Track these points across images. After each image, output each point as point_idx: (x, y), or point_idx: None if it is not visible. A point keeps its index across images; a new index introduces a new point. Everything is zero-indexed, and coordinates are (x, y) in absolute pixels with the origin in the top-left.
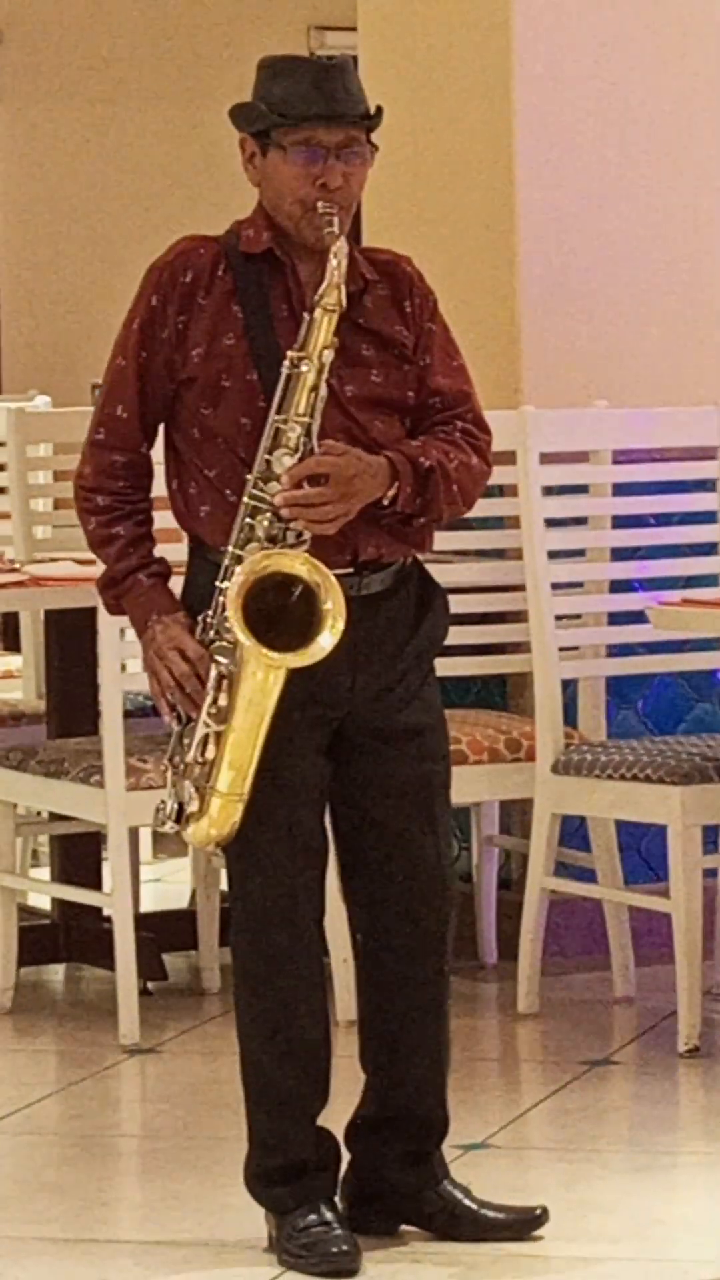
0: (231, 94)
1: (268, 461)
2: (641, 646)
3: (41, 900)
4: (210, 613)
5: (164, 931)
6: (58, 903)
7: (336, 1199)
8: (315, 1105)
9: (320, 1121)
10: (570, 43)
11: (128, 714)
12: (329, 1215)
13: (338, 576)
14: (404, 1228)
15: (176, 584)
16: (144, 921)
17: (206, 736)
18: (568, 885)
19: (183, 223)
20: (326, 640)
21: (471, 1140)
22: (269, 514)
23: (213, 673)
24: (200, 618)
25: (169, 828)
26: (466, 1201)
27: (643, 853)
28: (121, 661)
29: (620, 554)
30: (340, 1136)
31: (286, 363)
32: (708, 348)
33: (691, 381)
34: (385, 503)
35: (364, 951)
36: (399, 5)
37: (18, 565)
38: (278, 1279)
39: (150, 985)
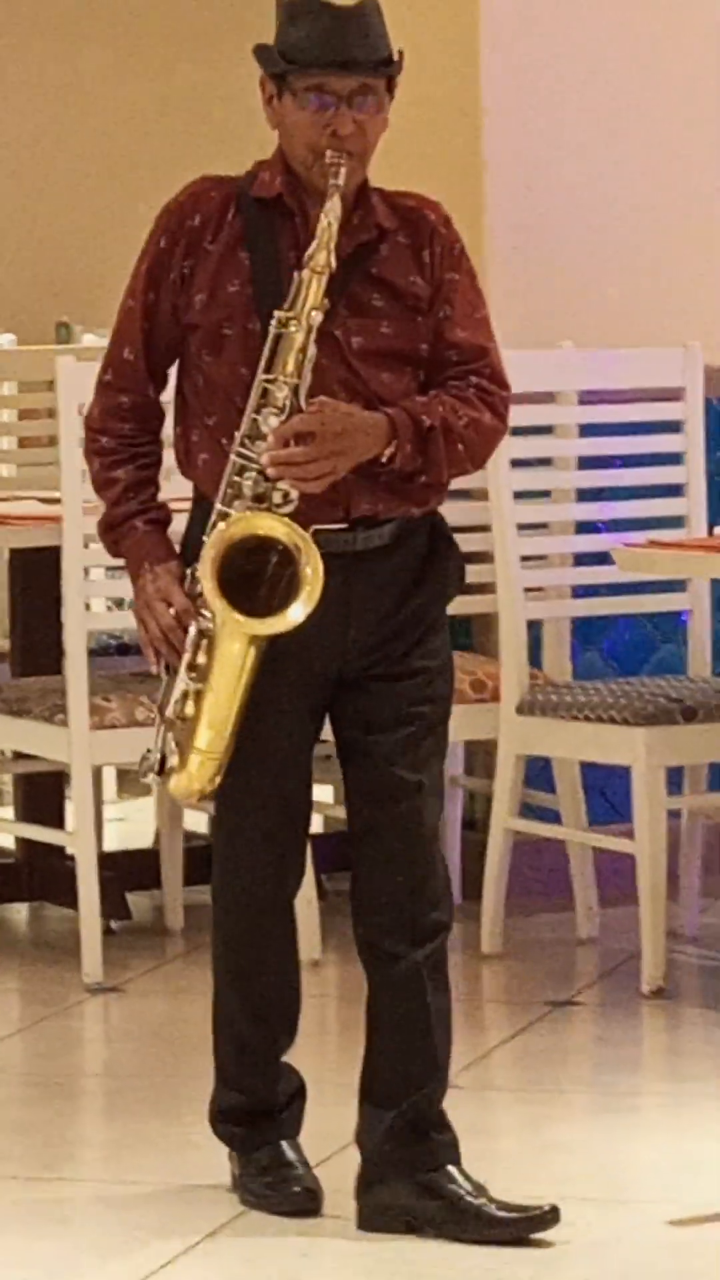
0: (195, 39)
1: (254, 420)
2: (606, 588)
3: (5, 839)
4: (197, 565)
5: (128, 870)
6: (21, 841)
7: (299, 1139)
8: (281, 1045)
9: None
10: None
11: (92, 653)
12: (290, 1155)
13: (332, 533)
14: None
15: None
16: (107, 860)
17: (186, 693)
18: (532, 826)
19: (148, 163)
20: (297, 612)
21: None
22: (256, 473)
23: (192, 629)
24: (190, 570)
25: (151, 779)
26: (469, 1198)
27: (607, 794)
28: (86, 600)
29: (586, 495)
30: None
31: (274, 322)
32: (673, 290)
33: (657, 324)
34: (384, 460)
35: (353, 896)
36: None
37: None
38: (239, 1218)
39: (114, 924)
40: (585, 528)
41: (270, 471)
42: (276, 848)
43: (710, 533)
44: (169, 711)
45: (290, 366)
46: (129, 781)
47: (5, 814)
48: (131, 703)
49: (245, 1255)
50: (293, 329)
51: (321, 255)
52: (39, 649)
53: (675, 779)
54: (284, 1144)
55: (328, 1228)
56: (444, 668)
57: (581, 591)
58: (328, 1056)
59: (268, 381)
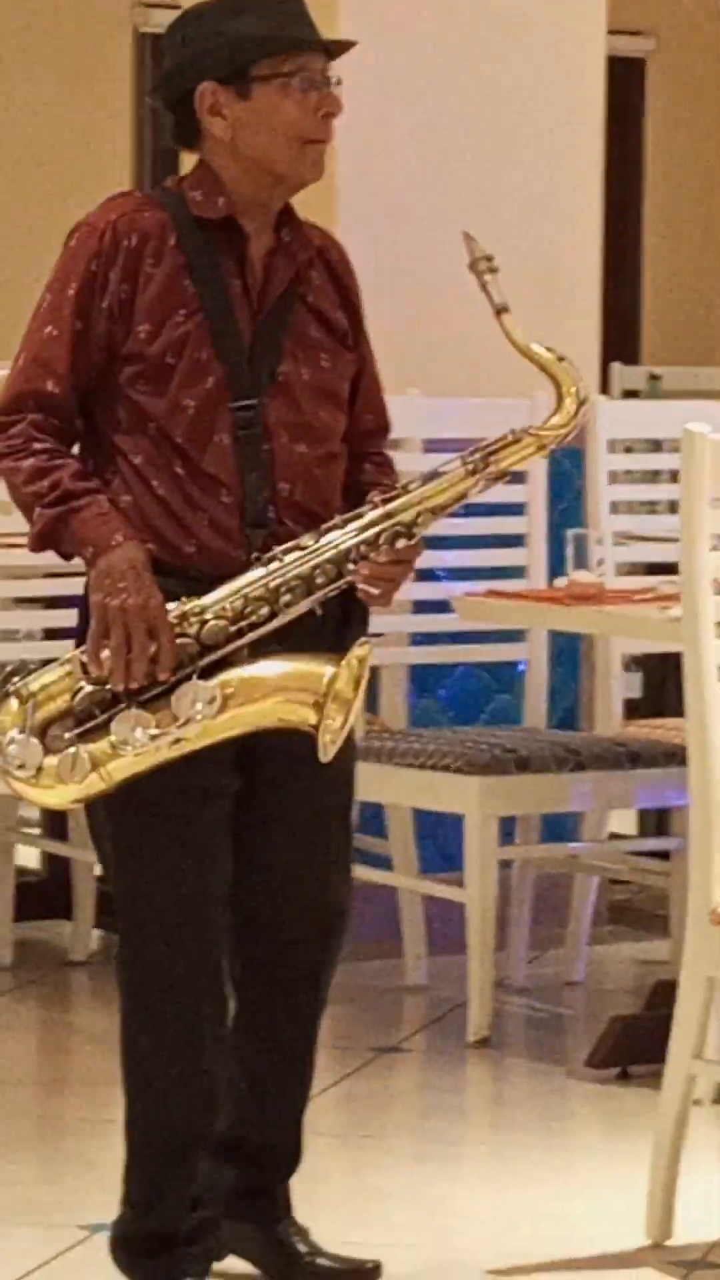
0: (53, 69)
1: (363, 544)
2: (445, 636)
3: None
4: (192, 601)
5: None
6: None
7: None
8: (198, 1157)
9: None
10: (393, 45)
11: None
12: None
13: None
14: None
15: None
16: None
17: (116, 716)
18: (363, 872)
19: (8, 196)
20: (333, 737)
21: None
22: (327, 578)
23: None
24: (180, 604)
25: (22, 776)
26: (301, 1246)
27: (438, 842)
28: None
29: (427, 542)
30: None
31: (472, 455)
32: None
33: (503, 374)
34: None
35: (239, 970)
36: None
37: None
38: (66, 1252)
39: None
40: (425, 575)
41: (359, 581)
42: (199, 896)
43: (550, 584)
44: (87, 727)
45: (443, 501)
46: None
47: None
48: None
49: None
50: (474, 477)
51: (555, 436)
52: None
53: (508, 829)
54: None
55: None
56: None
57: (420, 639)
58: None
59: (387, 517)
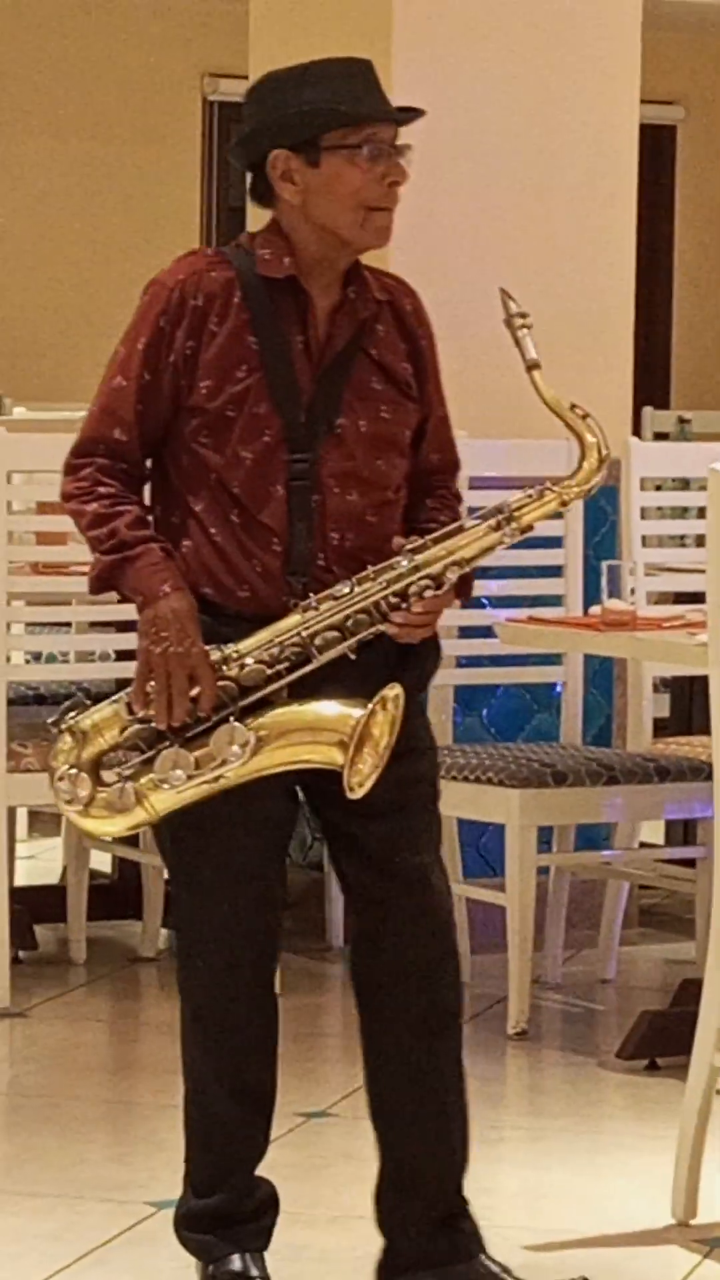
0: (128, 132)
1: (409, 584)
2: (488, 659)
3: None
4: (232, 647)
5: (35, 904)
6: None
7: (265, 1255)
8: (258, 1150)
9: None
10: (444, 111)
11: (10, 702)
12: (254, 1271)
13: None
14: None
15: None
16: (17, 895)
17: (161, 752)
18: None
19: (82, 244)
20: (363, 779)
21: (314, 1108)
22: (365, 615)
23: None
24: (220, 649)
25: (74, 810)
26: (505, 1278)
27: (481, 849)
28: (6, 654)
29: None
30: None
31: (497, 512)
32: (561, 387)
33: (548, 419)
34: None
35: (359, 990)
36: (286, 56)
37: None
38: (130, 1229)
39: (21, 954)
40: (471, 603)
41: (395, 631)
42: (249, 921)
43: (586, 611)
44: (135, 764)
45: (470, 554)
46: (40, 822)
47: None
48: (45, 749)
49: (137, 1266)
50: (501, 531)
51: (577, 492)
52: None
53: (545, 838)
54: (248, 1255)
55: None
56: (430, 748)
57: (465, 661)
58: None
59: (415, 570)
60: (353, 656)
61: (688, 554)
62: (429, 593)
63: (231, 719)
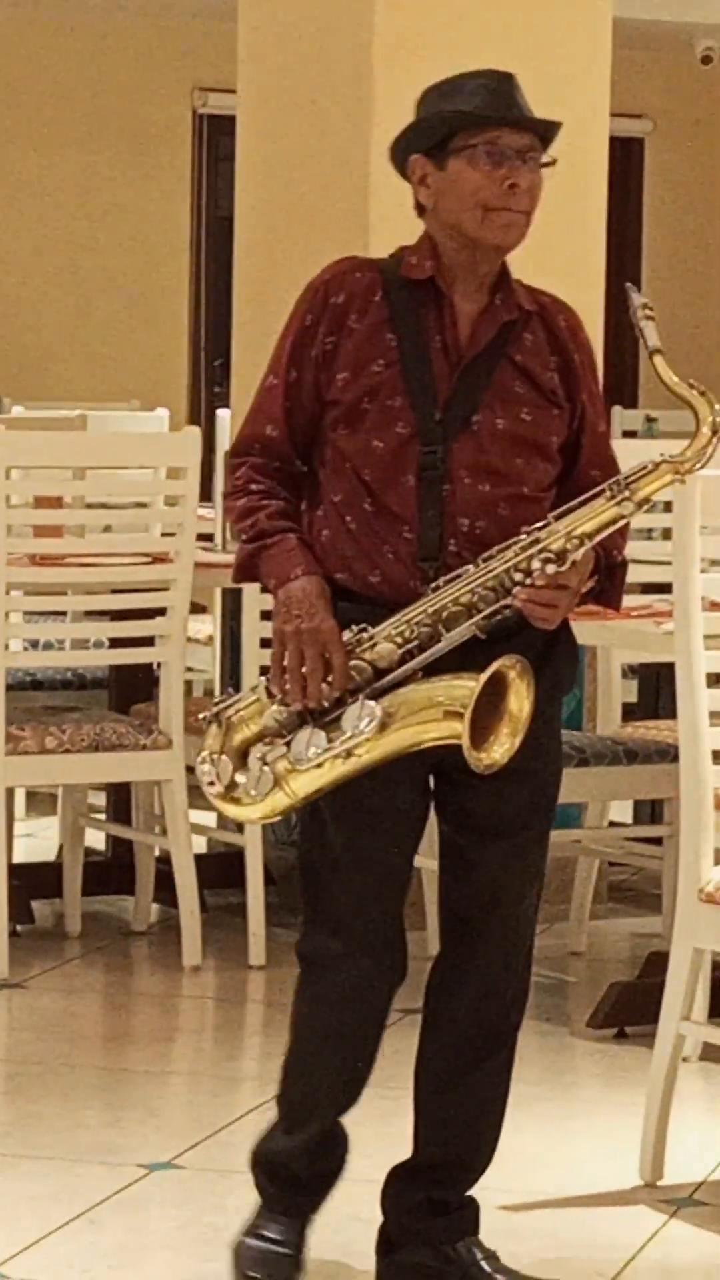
0: (121, 143)
1: (530, 556)
2: None
3: None
4: (364, 627)
5: (33, 881)
6: None
7: (306, 1226)
8: (334, 1118)
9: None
10: None
11: (9, 687)
12: (290, 1235)
13: None
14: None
15: None
16: (15, 871)
17: (303, 738)
18: None
19: (77, 247)
20: (496, 754)
21: None
22: (490, 590)
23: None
24: (352, 630)
25: (214, 792)
26: (484, 1265)
27: None
28: (5, 641)
29: None
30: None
31: (614, 485)
32: None
33: None
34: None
35: (426, 994)
36: (273, 72)
37: None
38: (123, 1190)
39: (19, 928)
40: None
41: (519, 605)
42: (374, 908)
43: None
44: (276, 750)
45: (590, 529)
46: (37, 801)
47: None
48: (42, 733)
49: (129, 1225)
50: (621, 505)
51: (689, 465)
52: None
53: None
54: (289, 1221)
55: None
56: (555, 774)
57: None
58: (205, 1051)
59: (535, 543)
60: (482, 636)
61: (654, 547)
62: (550, 567)
63: (363, 697)
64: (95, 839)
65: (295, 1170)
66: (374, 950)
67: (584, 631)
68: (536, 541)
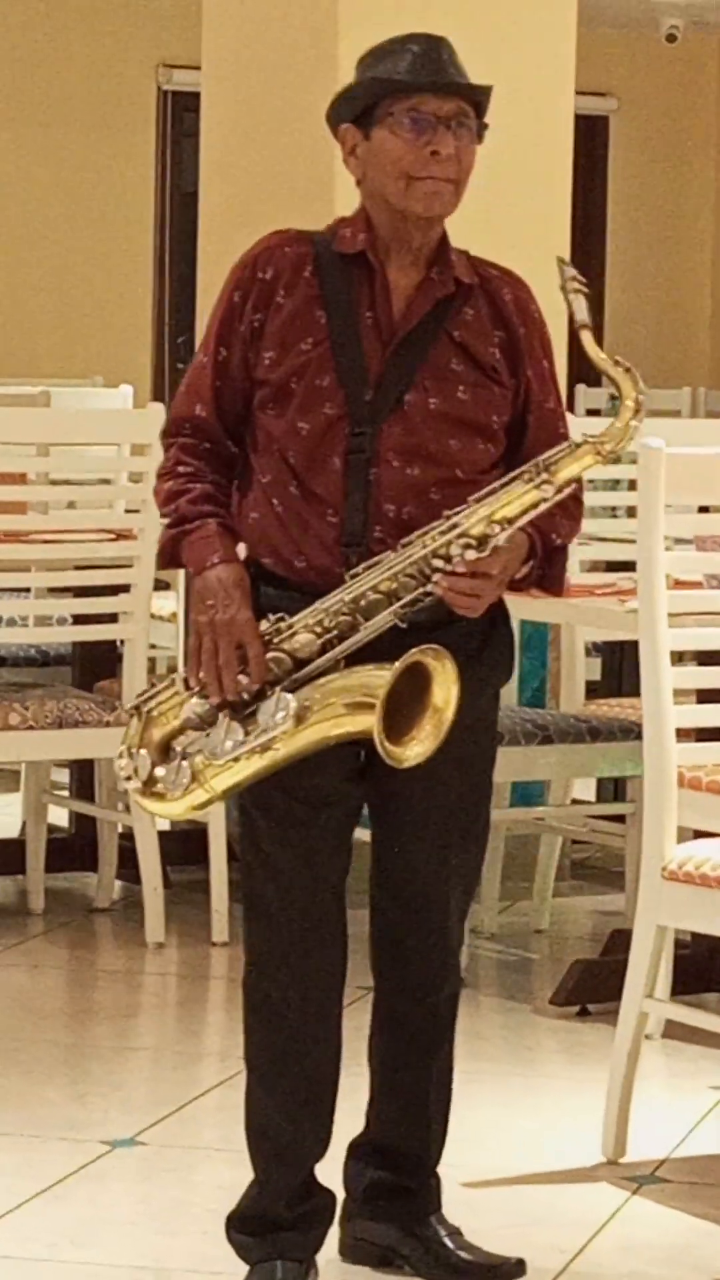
0: (85, 120)
1: (449, 542)
2: None
3: None
4: (282, 616)
5: None
6: None
7: (309, 1268)
8: (312, 1155)
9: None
10: None
11: None
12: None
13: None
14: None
15: None
16: None
17: (220, 732)
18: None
19: (42, 234)
20: (411, 753)
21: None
22: (411, 579)
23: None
24: (271, 617)
25: (133, 787)
26: (448, 1242)
27: None
28: None
29: None
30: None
31: (533, 468)
32: None
33: None
34: (518, 578)
35: (377, 972)
36: (237, 48)
37: None
38: (88, 1165)
39: None
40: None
41: (440, 592)
42: (312, 904)
43: None
44: (192, 740)
45: (511, 513)
46: (0, 778)
47: None
48: (6, 709)
49: (92, 1200)
50: (541, 488)
51: (610, 445)
52: None
53: None
54: (286, 1264)
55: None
56: (487, 765)
57: None
58: (167, 1027)
59: (453, 528)
60: (402, 624)
61: (618, 524)
62: (470, 553)
63: (279, 689)
64: (58, 816)
65: (277, 1212)
66: (318, 950)
67: (548, 610)
68: (455, 526)
